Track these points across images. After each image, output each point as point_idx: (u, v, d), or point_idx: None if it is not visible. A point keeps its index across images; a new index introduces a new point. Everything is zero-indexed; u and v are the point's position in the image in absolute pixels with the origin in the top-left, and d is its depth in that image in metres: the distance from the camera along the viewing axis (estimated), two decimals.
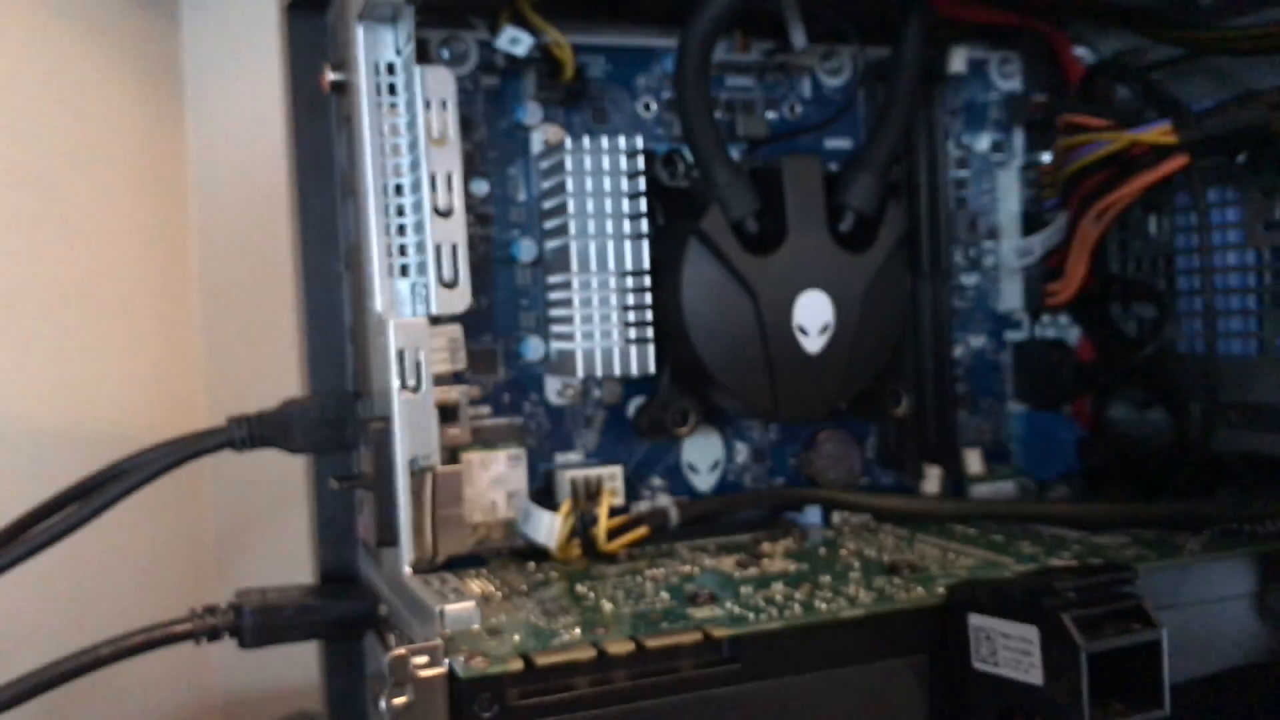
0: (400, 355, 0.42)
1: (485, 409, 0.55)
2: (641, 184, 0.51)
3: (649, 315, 0.52)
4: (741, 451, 0.61)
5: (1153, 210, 0.65)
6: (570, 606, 0.45)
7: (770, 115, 0.61)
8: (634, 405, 0.58)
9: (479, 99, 0.55)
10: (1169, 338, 0.63)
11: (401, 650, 0.37)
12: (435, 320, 0.45)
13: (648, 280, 0.52)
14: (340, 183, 0.52)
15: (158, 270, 0.72)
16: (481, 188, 0.55)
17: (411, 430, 0.42)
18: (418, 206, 0.44)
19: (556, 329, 0.54)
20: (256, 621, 0.46)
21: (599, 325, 0.51)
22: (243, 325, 0.76)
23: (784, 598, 0.45)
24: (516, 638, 0.41)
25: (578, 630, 0.41)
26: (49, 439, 0.60)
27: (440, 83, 0.44)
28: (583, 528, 0.51)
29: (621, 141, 0.51)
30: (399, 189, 0.44)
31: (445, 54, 0.54)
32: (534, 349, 0.56)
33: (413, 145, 0.44)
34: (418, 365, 0.43)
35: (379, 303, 0.44)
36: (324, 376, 0.52)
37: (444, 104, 0.44)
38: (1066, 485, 0.66)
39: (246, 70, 0.74)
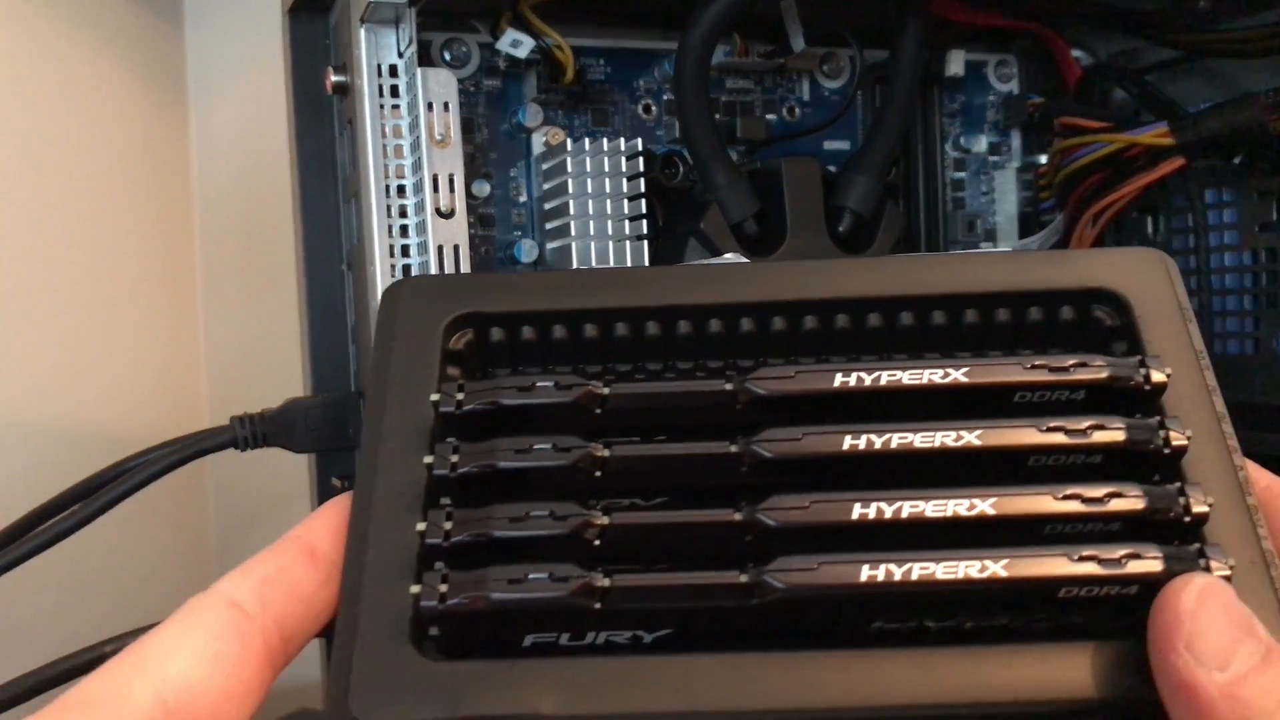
0: None
1: None
2: (642, 185, 0.51)
3: None
4: None
5: (1149, 211, 0.66)
6: None
7: (769, 117, 0.61)
8: None
9: (480, 101, 0.56)
10: None
11: None
12: None
13: None
14: (343, 184, 0.52)
15: (161, 270, 0.72)
16: (483, 189, 0.56)
17: None
18: (420, 207, 0.44)
19: None
20: None
21: None
22: (245, 325, 0.76)
23: None
24: None
25: None
26: (52, 438, 0.60)
27: (442, 85, 0.44)
28: None
29: (622, 143, 0.51)
30: (401, 190, 0.45)
31: (447, 56, 0.54)
32: None
33: (415, 146, 0.44)
34: None
35: None
36: (327, 376, 0.52)
37: (446, 106, 0.44)
38: None
39: (249, 72, 0.74)
